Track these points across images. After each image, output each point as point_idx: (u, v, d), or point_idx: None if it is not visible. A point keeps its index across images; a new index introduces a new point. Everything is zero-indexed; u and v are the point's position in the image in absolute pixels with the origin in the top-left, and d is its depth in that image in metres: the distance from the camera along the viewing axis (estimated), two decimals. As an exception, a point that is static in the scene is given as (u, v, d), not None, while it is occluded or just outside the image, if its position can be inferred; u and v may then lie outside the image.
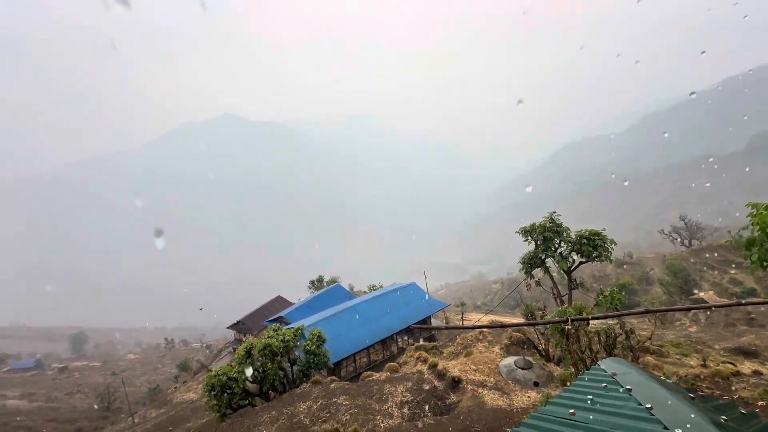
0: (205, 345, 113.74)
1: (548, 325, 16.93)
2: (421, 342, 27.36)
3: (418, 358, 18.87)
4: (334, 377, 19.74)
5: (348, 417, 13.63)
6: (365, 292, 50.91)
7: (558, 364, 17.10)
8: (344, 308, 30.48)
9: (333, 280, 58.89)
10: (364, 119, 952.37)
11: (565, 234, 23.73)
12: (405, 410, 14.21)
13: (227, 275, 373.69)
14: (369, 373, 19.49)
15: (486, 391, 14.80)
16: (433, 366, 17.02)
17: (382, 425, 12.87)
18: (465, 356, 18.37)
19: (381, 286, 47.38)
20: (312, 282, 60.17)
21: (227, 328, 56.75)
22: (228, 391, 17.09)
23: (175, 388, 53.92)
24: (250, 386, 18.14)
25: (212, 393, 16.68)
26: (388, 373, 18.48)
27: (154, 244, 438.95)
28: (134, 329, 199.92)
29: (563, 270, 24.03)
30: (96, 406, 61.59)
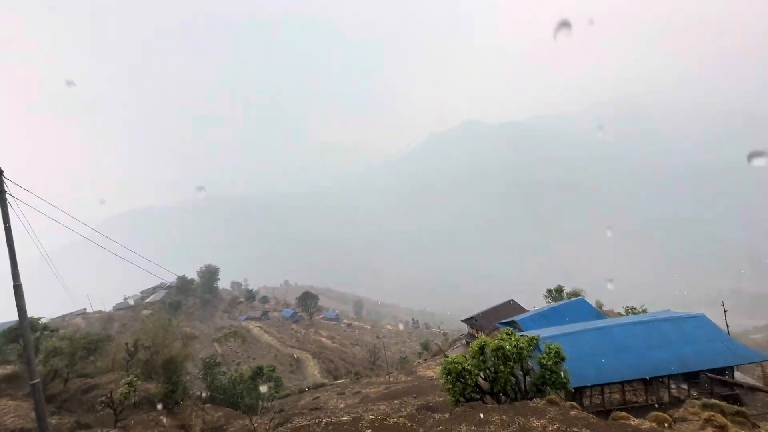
0: (442, 332, 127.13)
1: None
2: (713, 400, 19.54)
3: (708, 420, 13.66)
4: (573, 404, 17.33)
5: (593, 457, 11.59)
6: (619, 314, 41.85)
7: None
8: (590, 328, 26.19)
9: (575, 293, 51.84)
10: (611, 107, 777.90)
11: None
12: (683, 484, 10.58)
13: (466, 271, 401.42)
14: (624, 414, 15.85)
15: None
16: (739, 441, 11.82)
17: (643, 487, 10.14)
18: (811, 447, 11.71)
19: (644, 311, 37.59)
20: (549, 291, 55.30)
21: (461, 321, 60.94)
22: (461, 380, 18.27)
23: (418, 363, 63.15)
24: (482, 383, 18.67)
25: (448, 377, 18.29)
26: (653, 424, 14.38)
27: (419, 240, 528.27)
28: (392, 306, 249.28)
29: None
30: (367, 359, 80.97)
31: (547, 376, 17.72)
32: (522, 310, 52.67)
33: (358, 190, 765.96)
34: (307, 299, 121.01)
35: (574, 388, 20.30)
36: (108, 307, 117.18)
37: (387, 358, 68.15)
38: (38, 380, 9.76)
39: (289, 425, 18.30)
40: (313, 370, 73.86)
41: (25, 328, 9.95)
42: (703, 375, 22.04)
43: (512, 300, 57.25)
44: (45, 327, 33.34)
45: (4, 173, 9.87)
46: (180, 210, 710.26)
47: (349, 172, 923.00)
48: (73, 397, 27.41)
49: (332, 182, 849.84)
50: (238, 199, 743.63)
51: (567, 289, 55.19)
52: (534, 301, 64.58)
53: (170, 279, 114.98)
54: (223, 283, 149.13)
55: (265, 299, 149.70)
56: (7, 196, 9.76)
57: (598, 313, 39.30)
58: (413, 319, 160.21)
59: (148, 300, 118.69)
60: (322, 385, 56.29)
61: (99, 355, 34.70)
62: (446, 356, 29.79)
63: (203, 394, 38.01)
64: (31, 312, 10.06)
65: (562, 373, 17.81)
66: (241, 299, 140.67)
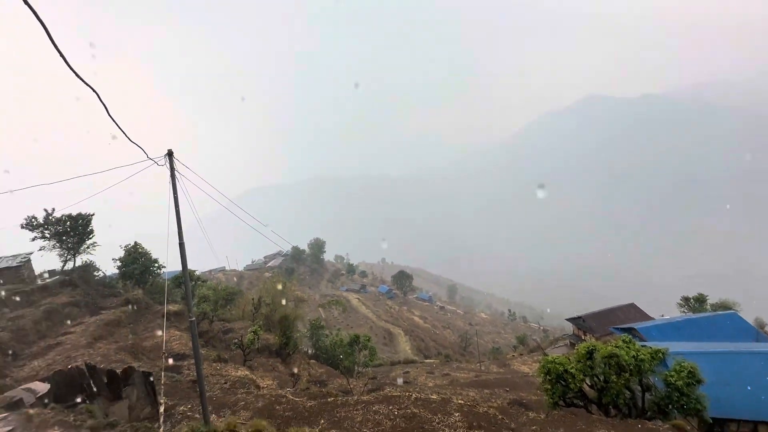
0: (542, 328, 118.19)
1: None
2: None
3: None
4: (710, 436, 14.39)
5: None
6: (792, 340, 32.69)
7: None
8: (746, 350, 21.12)
9: (725, 305, 42.19)
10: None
11: None
12: None
13: (578, 266, 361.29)
14: (787, 464, 12.53)
15: None
16: None
17: None
18: None
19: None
20: (686, 299, 46.17)
21: (566, 319, 55.58)
22: (562, 383, 16.81)
23: (513, 356, 60.21)
24: (588, 390, 16.88)
25: (547, 377, 17.01)
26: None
27: (527, 229, 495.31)
28: (487, 294, 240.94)
29: None
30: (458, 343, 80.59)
31: (675, 398, 15.04)
32: (645, 317, 45.22)
33: (463, 173, 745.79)
34: (402, 278, 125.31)
35: (713, 419, 16.80)
36: (240, 267, 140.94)
37: (479, 346, 66.73)
38: (194, 318, 12.39)
39: (380, 392, 19.58)
40: (405, 346, 76.85)
41: (185, 278, 12.64)
42: None
43: (633, 304, 49.53)
44: (198, 278, 41.88)
45: (174, 154, 12.56)
46: (297, 188, 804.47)
47: (456, 154, 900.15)
48: (215, 336, 34.13)
49: (439, 164, 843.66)
50: (347, 180, 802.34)
51: (712, 300, 45.16)
52: (662, 309, 54.89)
53: (286, 248, 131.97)
54: (328, 255, 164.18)
55: (363, 274, 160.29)
56: (176, 173, 12.33)
57: (759, 333, 31.27)
58: (509, 310, 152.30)
59: (269, 264, 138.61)
60: (413, 361, 58.29)
61: (233, 305, 42.26)
62: (545, 354, 27.69)
63: (309, 351, 43.24)
64: (188, 266, 12.83)
65: (696, 398, 14.91)
66: (343, 272, 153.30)
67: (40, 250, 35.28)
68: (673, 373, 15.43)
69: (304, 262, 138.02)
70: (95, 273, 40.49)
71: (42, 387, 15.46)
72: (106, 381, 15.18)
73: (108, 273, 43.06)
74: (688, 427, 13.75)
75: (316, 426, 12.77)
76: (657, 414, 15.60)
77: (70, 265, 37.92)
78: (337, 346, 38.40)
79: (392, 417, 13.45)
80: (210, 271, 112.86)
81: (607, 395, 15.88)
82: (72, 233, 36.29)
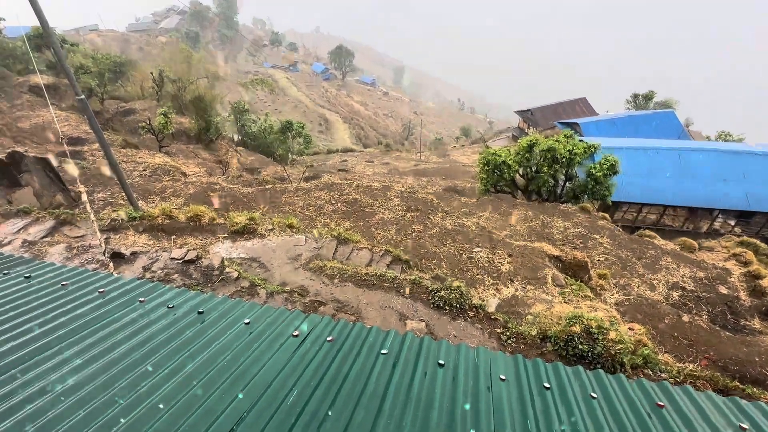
0: (488, 119, 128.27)
1: None
2: (754, 239, 21.40)
3: (735, 254, 15.43)
4: (605, 215, 19.40)
5: (603, 260, 14.03)
6: (707, 138, 40.16)
7: None
8: (664, 146, 25.77)
9: (667, 104, 48.02)
10: None
11: None
12: (674, 293, 13.19)
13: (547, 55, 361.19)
14: (651, 233, 17.93)
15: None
16: (754, 276, 13.75)
17: (636, 290, 12.75)
18: (822, 294, 13.62)
19: (741, 140, 35.71)
20: (635, 96, 51.15)
21: (515, 111, 60.15)
22: (498, 172, 20.00)
23: (454, 147, 67.23)
24: (519, 179, 20.43)
25: (485, 167, 19.93)
26: (676, 247, 16.48)
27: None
28: (437, 79, 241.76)
29: None
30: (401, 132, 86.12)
31: (590, 186, 19.07)
32: (592, 113, 50.68)
33: None
34: (341, 55, 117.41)
35: (613, 202, 22.14)
36: (120, 28, 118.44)
37: (422, 137, 72.30)
38: (83, 96, 11.24)
39: (320, 180, 21.82)
40: (343, 135, 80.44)
41: (52, 39, 10.61)
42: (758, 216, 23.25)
43: (584, 99, 54.18)
44: (63, 40, 35.20)
45: None
46: None
47: None
48: (113, 117, 32.09)
49: None
50: None
51: (658, 98, 50.83)
52: (610, 106, 61.10)
53: (182, 3, 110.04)
54: (244, 18, 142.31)
55: (293, 47, 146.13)
56: None
57: (683, 132, 37.65)
58: (459, 99, 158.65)
59: (161, 26, 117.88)
60: (351, 150, 62.69)
61: (126, 80, 38.03)
62: (487, 146, 31.44)
63: (235, 137, 43.66)
64: (36, 20, 10.27)
65: (607, 186, 19.06)
66: (266, 42, 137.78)
67: None
68: (596, 165, 18.94)
69: (210, 25, 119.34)
70: None
71: None
72: (-11, 167, 14.61)
73: None
74: (591, 208, 18.17)
75: (257, 211, 14.57)
76: (570, 199, 20.08)
77: None
78: (267, 133, 39.00)
79: (334, 202, 15.64)
80: (77, 30, 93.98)
81: (534, 183, 19.55)
82: None
